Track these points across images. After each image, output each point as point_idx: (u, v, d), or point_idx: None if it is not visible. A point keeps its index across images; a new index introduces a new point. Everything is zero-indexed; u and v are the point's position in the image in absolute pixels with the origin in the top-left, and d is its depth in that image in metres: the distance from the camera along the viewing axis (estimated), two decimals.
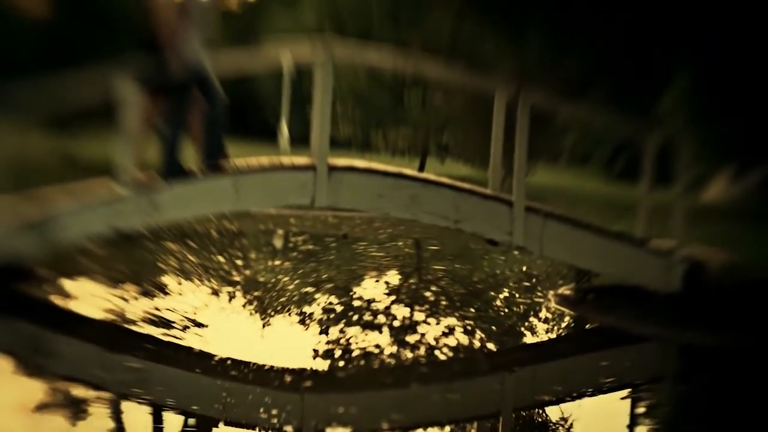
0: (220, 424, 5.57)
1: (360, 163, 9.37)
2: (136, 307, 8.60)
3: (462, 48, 16.23)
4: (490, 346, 8.41)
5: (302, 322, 8.57)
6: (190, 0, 8.73)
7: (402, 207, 9.04)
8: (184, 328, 7.88)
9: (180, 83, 8.65)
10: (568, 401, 6.56)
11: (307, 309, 9.14)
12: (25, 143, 24.94)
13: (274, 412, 5.89)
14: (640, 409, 6.78)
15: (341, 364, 7.30)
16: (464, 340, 8.32)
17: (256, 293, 9.81)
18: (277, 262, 12.41)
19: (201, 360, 6.92)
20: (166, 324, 8.00)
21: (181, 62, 8.55)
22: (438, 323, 9.00)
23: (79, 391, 5.89)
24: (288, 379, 6.63)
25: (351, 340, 7.86)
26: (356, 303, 9.74)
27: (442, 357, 7.69)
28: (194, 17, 8.73)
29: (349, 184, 8.90)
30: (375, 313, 9.15)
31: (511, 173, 9.27)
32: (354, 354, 7.49)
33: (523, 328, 9.20)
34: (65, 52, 26.57)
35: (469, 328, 8.85)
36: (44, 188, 9.12)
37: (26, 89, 9.51)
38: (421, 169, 28.97)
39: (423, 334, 8.39)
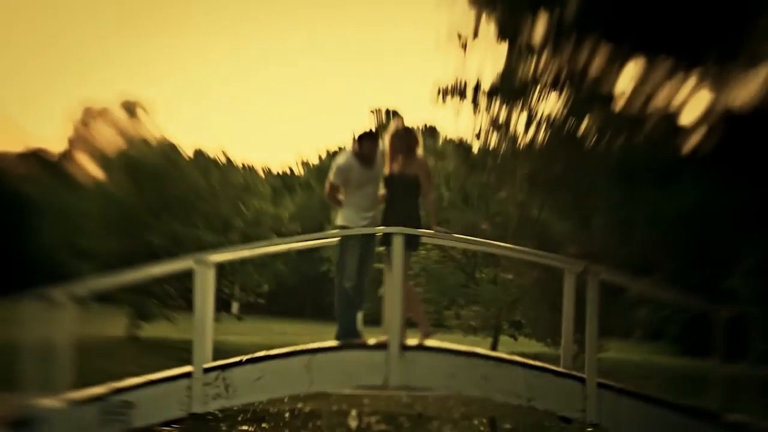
0: None
1: (432, 342, 9.46)
2: None
3: (531, 228, 16.46)
4: None
5: None
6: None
7: (474, 386, 9.09)
8: None
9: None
10: None
11: None
12: (102, 328, 25.62)
13: None
14: None
15: None
16: None
17: None
18: None
19: None
20: None
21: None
22: None
23: None
24: None
25: None
26: None
27: None
28: None
29: (421, 364, 9.02)
30: None
31: (583, 349, 9.31)
32: None
33: None
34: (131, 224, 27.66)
35: None
36: (121, 375, 9.39)
37: (108, 281, 9.93)
38: (494, 347, 28.91)
39: None
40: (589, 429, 10.46)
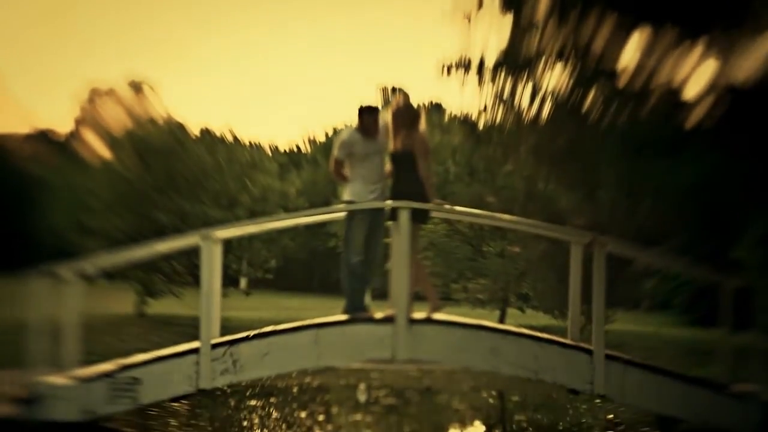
0: None
1: (440, 315, 9.48)
2: None
3: (537, 201, 16.46)
4: None
5: None
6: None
7: (482, 359, 9.12)
8: None
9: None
10: None
11: None
12: (110, 305, 25.73)
13: None
14: None
15: None
16: None
17: None
18: (359, 417, 12.45)
19: None
20: None
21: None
22: None
23: None
24: None
25: None
26: None
27: None
28: None
29: (429, 337, 9.05)
30: None
31: (591, 321, 9.32)
32: None
33: None
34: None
35: None
36: (129, 352, 9.45)
37: (115, 257, 9.96)
38: (502, 320, 28.96)
39: None
40: (597, 401, 10.49)
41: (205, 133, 35.61)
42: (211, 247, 9.01)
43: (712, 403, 9.12)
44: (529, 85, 13.33)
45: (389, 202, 9.35)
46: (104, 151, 31.66)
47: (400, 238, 9.14)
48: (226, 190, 31.08)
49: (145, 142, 29.63)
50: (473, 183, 29.33)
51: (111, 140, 31.48)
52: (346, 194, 9.77)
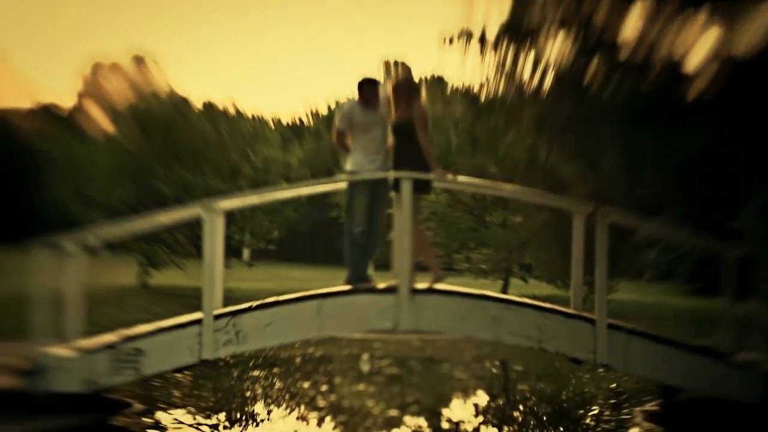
0: None
1: (442, 285, 9.48)
2: None
3: (540, 169, 16.43)
4: None
5: None
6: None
7: (485, 328, 9.12)
8: None
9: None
10: None
11: None
12: (113, 277, 25.77)
13: None
14: None
15: None
16: None
17: (342, 418, 9.88)
18: (363, 387, 12.49)
19: None
20: None
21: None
22: None
23: None
24: None
25: None
26: (444, 425, 9.74)
27: None
28: None
29: (431, 307, 9.05)
30: None
31: (593, 291, 9.32)
32: None
33: None
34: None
35: None
36: (132, 323, 9.46)
37: (118, 228, 9.96)
38: (505, 290, 29.00)
39: None
40: (599, 370, 10.51)
41: (208, 106, 35.60)
42: (213, 218, 9.00)
43: (715, 372, 9.12)
44: (531, 56, 13.28)
45: (391, 173, 9.35)
46: (107, 125, 31.62)
47: (402, 208, 9.14)
48: (228, 161, 31.10)
49: (147, 115, 29.64)
50: (475, 153, 29.24)
51: (114, 114, 31.44)
52: (348, 165, 9.78)
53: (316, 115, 75.72)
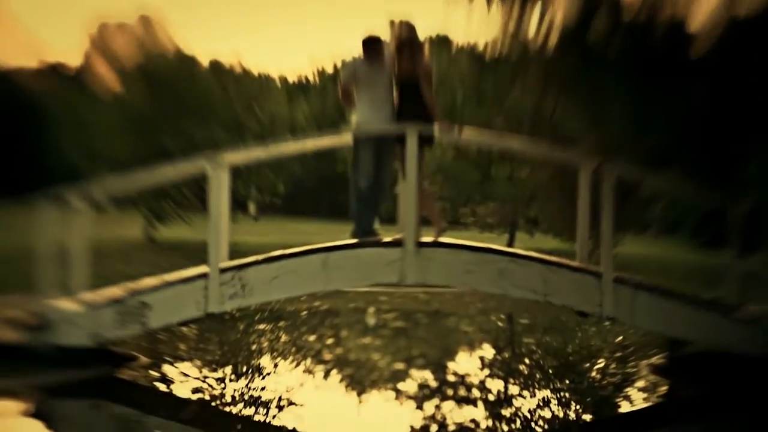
0: None
1: (448, 238, 9.48)
2: (231, 388, 8.77)
3: (545, 124, 16.34)
4: (586, 417, 8.36)
5: (397, 398, 8.62)
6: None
7: (491, 282, 9.13)
8: (280, 408, 8.00)
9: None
10: None
11: (401, 385, 9.18)
12: (119, 231, 25.86)
13: None
14: None
15: None
16: (559, 412, 8.29)
17: (348, 371, 9.91)
18: (369, 340, 12.53)
19: None
20: (262, 404, 8.13)
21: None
22: (533, 396, 8.99)
23: None
24: None
25: (446, 415, 7.88)
26: (450, 378, 9.76)
27: (538, 430, 7.67)
28: None
29: (437, 261, 9.05)
30: (469, 388, 9.15)
31: (599, 245, 9.31)
32: (450, 429, 7.50)
33: (617, 399, 9.11)
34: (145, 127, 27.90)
35: (563, 400, 8.82)
36: (138, 277, 9.48)
37: (122, 181, 9.95)
38: (510, 243, 29.02)
39: (518, 408, 8.38)
40: (605, 323, 10.52)
41: (214, 64, 35.55)
42: (219, 171, 8.99)
43: (720, 326, 9.12)
44: (536, 12, 13.17)
45: (397, 126, 9.34)
46: (114, 84, 31.55)
47: (408, 161, 9.11)
48: (234, 117, 31.06)
49: (155, 74, 29.60)
50: (481, 107, 29.11)
51: (121, 73, 31.36)
52: (354, 119, 9.77)
53: (322, 73, 75.52)
